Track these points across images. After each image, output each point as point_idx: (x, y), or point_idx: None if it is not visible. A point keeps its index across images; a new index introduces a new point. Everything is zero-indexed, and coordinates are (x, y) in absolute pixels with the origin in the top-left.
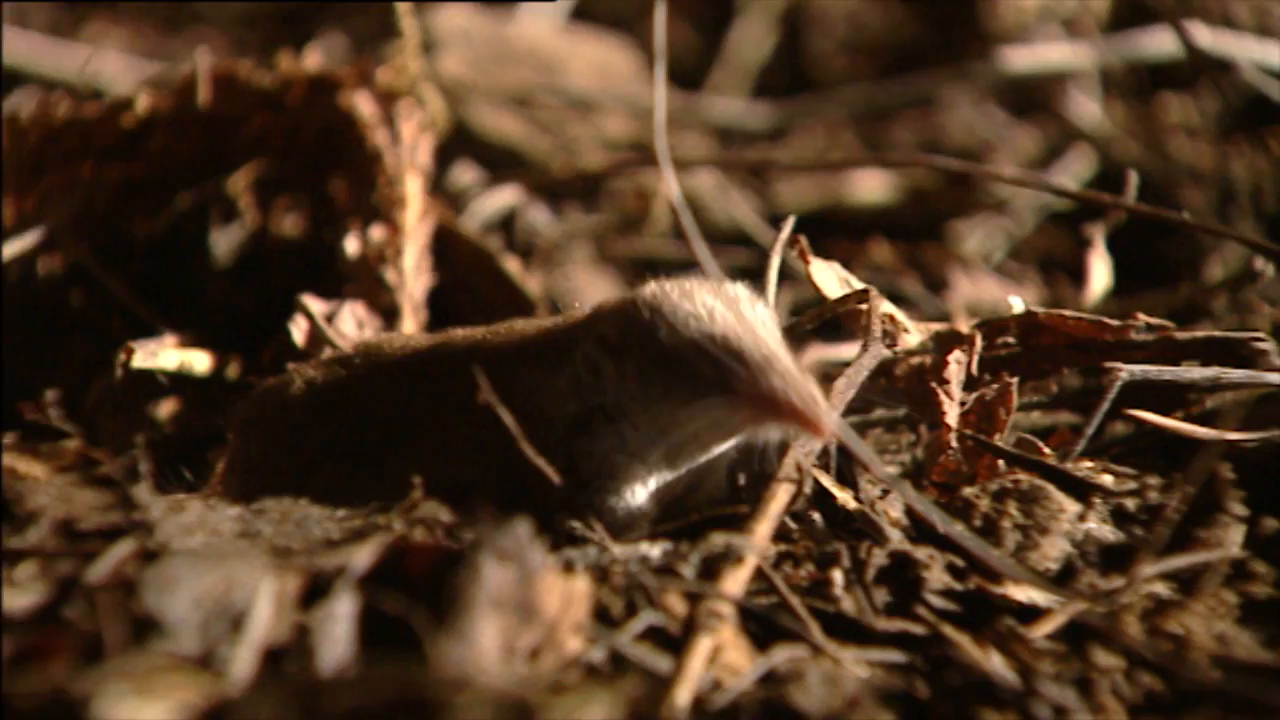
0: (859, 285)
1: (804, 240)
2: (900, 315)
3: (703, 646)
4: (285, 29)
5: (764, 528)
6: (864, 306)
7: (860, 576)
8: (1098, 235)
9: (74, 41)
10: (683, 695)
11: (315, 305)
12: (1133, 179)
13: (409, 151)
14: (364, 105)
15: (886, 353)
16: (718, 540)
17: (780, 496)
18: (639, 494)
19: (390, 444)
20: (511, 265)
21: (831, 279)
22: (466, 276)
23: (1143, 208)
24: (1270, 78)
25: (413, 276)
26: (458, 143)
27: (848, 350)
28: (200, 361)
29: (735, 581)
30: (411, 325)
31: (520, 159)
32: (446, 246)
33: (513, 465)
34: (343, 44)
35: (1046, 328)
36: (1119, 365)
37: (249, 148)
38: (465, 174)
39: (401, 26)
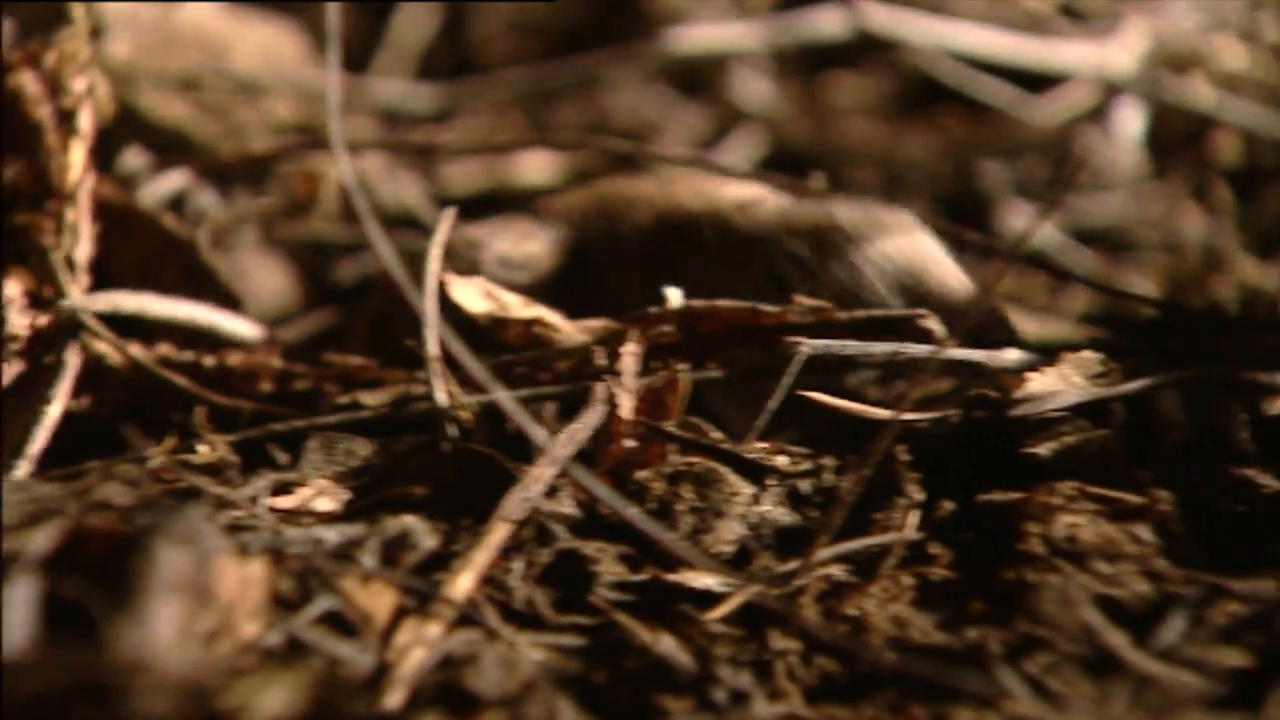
0: (507, 298)
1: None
2: (552, 316)
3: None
4: None
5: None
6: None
7: (529, 573)
8: None
9: None
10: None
11: None
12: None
13: (67, 120)
14: (30, 85)
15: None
16: (394, 525)
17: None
18: None
19: None
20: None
21: (474, 295)
22: (147, 257)
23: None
24: (943, 57)
25: (71, 238)
26: (127, 128)
27: None
28: None
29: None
30: (76, 289)
31: (189, 142)
32: (126, 228)
33: None
34: (11, 30)
35: (705, 317)
36: (800, 340)
37: None
38: (135, 158)
39: (71, 13)
